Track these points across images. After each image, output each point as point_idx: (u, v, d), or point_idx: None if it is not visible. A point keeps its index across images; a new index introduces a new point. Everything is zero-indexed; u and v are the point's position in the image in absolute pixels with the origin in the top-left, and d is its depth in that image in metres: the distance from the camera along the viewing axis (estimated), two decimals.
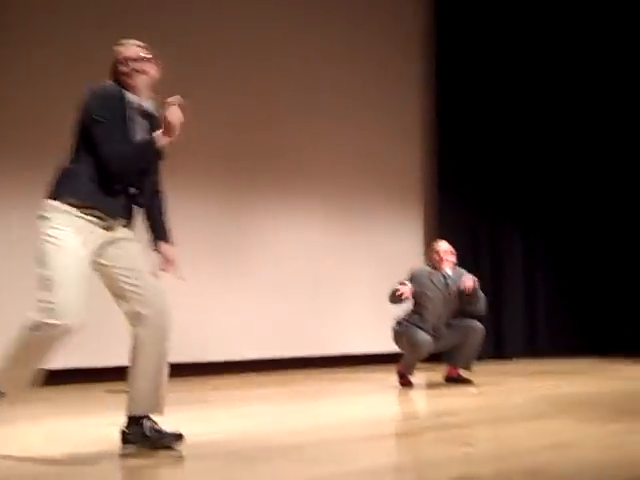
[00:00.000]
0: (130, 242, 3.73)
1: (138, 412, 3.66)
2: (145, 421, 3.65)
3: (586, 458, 3.34)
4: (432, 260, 6.69)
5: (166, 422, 3.70)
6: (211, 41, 7.84)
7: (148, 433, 3.62)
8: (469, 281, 6.42)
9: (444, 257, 6.60)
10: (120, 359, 7.08)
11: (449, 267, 6.58)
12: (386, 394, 6.20)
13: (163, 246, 3.90)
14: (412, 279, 6.47)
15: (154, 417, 3.69)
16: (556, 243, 9.71)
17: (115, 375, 6.93)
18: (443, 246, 6.69)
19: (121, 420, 3.71)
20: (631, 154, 9.56)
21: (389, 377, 6.59)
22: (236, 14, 8.04)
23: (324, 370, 7.84)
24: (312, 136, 8.42)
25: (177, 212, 7.42)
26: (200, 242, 7.73)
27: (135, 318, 3.65)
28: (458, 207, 9.00)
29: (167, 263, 3.88)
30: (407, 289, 6.25)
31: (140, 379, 3.65)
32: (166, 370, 3.73)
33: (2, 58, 6.81)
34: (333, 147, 8.57)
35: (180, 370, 7.22)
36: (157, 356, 3.66)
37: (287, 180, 8.30)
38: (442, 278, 6.53)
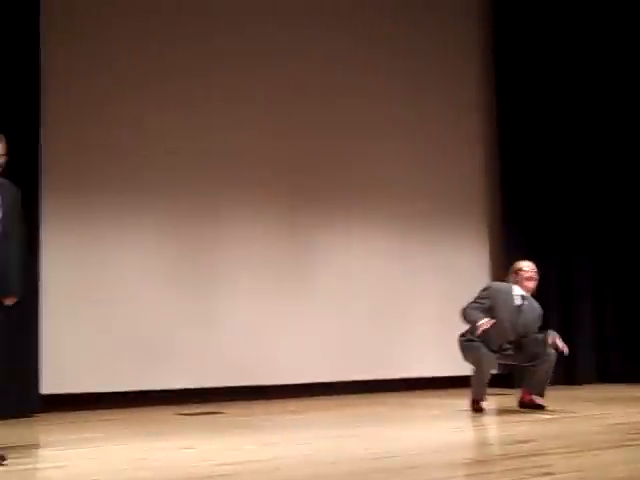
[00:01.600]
0: None
1: None
2: None
3: None
4: (514, 278, 6.53)
5: (236, 446, 3.70)
6: (273, 52, 7.93)
7: None
8: (560, 341, 6.31)
9: (529, 279, 6.47)
10: (189, 381, 7.21)
11: (528, 291, 6.47)
12: (457, 419, 6.13)
13: None
14: (489, 294, 6.40)
15: None
16: (625, 267, 9.49)
17: (185, 397, 7.04)
18: (530, 267, 6.54)
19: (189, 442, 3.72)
20: None
21: (458, 402, 6.51)
22: (297, 26, 8.12)
23: (391, 394, 7.78)
24: (375, 153, 8.42)
25: (238, 231, 7.61)
26: (263, 263, 7.77)
27: None
28: (524, 227, 8.88)
29: None
30: (488, 326, 6.19)
31: None
32: None
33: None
34: (396, 165, 8.55)
35: (241, 393, 7.31)
36: None
37: (350, 198, 8.28)
38: (518, 302, 6.43)
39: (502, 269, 8.81)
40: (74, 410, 6.34)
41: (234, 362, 7.43)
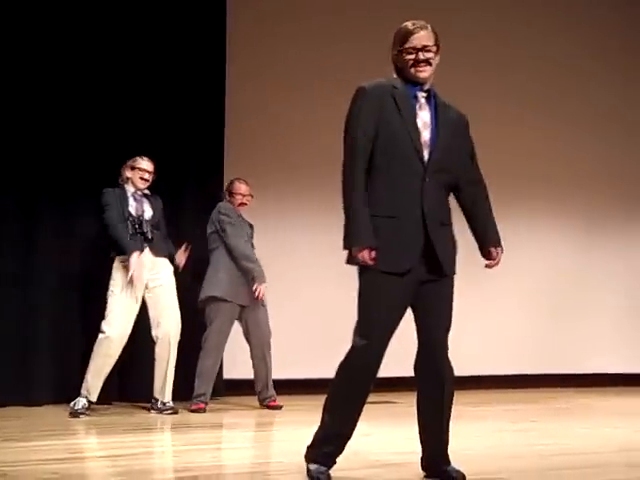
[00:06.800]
0: None
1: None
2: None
3: None
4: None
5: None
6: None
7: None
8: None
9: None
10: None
11: None
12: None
13: None
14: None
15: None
16: None
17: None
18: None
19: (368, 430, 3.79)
20: None
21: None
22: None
23: (569, 389, 7.60)
24: (559, 146, 8.17)
25: None
26: None
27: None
28: None
29: None
30: None
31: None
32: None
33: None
34: (577, 156, 8.27)
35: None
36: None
37: (535, 188, 8.06)
38: None
39: None
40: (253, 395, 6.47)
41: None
